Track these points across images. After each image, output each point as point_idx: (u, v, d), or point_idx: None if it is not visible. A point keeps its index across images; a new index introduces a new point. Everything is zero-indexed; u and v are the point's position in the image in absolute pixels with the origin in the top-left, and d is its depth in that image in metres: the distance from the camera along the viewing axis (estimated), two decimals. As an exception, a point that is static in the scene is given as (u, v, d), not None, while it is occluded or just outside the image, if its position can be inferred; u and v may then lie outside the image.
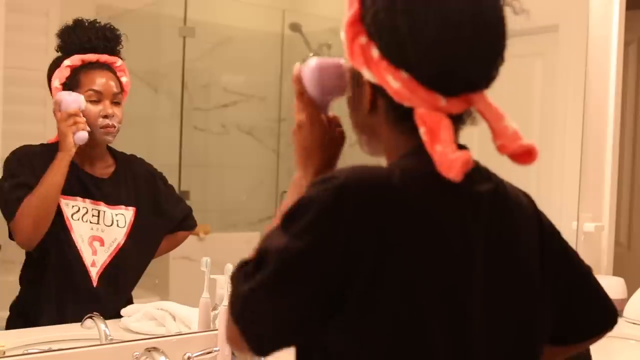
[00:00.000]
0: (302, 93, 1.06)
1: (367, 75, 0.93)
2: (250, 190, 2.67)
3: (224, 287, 1.70)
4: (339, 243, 0.85)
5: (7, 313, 1.74)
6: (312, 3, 2.94)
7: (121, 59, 1.80)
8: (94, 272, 1.75)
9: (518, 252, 0.98)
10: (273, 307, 0.86)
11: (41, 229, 1.68)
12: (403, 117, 0.93)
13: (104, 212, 1.78)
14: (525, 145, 0.91)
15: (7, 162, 1.71)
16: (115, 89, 1.78)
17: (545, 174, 2.70)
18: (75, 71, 1.74)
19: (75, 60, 1.73)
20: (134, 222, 1.82)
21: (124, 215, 1.81)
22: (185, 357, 1.65)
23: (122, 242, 1.80)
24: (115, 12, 2.15)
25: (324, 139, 1.06)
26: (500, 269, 0.95)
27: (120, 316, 1.78)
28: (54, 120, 1.76)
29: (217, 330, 1.70)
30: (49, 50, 1.76)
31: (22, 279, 1.75)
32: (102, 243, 1.76)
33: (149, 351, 1.54)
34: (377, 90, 0.94)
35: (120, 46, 1.80)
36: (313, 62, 1.05)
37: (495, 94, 0.95)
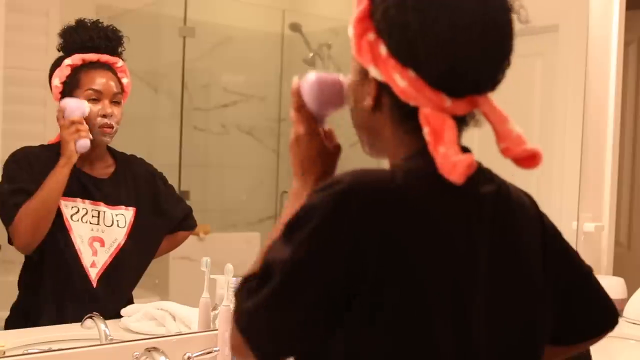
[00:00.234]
0: (300, 106, 1.07)
1: (374, 72, 0.93)
2: (250, 190, 2.67)
3: (224, 287, 1.70)
4: (344, 249, 0.85)
5: (7, 313, 1.74)
6: (312, 3, 2.94)
7: (122, 60, 1.80)
8: (94, 273, 1.74)
9: (520, 253, 0.98)
10: (281, 319, 0.86)
11: (39, 233, 1.68)
12: (407, 116, 0.93)
13: (104, 212, 1.78)
14: (529, 150, 0.92)
15: (6, 164, 1.70)
16: (115, 88, 1.77)
17: (545, 174, 2.70)
18: (76, 70, 1.74)
19: (75, 59, 1.73)
20: (134, 222, 1.82)
21: (124, 216, 1.81)
22: (185, 357, 1.65)
23: (123, 242, 1.79)
24: (115, 12, 2.15)
25: (322, 151, 1.06)
26: (503, 270, 0.95)
27: (120, 316, 1.78)
28: (54, 120, 1.76)
29: (217, 330, 1.70)
30: (49, 50, 1.76)
31: (22, 282, 1.75)
32: (102, 244, 1.76)
33: (149, 351, 1.54)
34: (383, 88, 0.94)
35: (122, 47, 1.80)
36: (312, 76, 1.06)
37: (496, 93, 0.96)
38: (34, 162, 1.71)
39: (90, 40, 1.74)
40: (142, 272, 1.88)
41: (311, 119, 1.06)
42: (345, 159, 1.12)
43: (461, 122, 0.94)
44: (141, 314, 1.78)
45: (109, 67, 1.78)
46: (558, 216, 2.65)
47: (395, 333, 0.86)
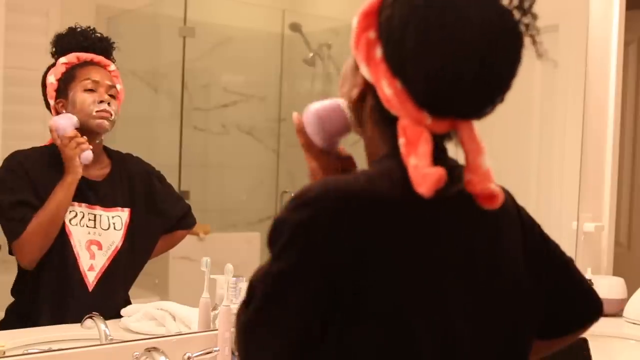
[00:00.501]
0: (308, 144, 1.07)
1: (365, 71, 0.93)
2: (250, 190, 2.67)
3: (224, 287, 1.70)
4: (317, 257, 0.85)
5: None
6: (312, 3, 2.94)
7: (115, 65, 1.80)
8: (92, 276, 1.74)
9: (502, 250, 0.97)
10: (270, 333, 0.86)
11: (45, 249, 1.68)
12: (386, 121, 0.93)
13: (100, 215, 1.77)
14: (490, 190, 0.91)
15: (1, 174, 1.69)
16: (109, 82, 1.78)
17: (545, 174, 2.70)
18: (72, 67, 1.74)
19: (71, 57, 1.74)
20: (130, 223, 1.81)
21: (120, 217, 1.81)
22: (185, 357, 1.65)
23: (120, 244, 1.79)
24: (115, 12, 2.16)
25: None
26: (484, 268, 0.94)
27: (120, 316, 1.78)
28: (53, 120, 1.76)
29: (217, 330, 1.69)
30: (49, 51, 1.76)
31: (18, 287, 1.74)
32: (99, 247, 1.76)
33: (149, 351, 1.54)
34: (369, 88, 0.94)
35: (113, 57, 1.80)
36: (311, 109, 1.05)
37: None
38: (29, 169, 1.70)
39: (85, 40, 1.75)
40: (139, 272, 1.88)
41: (321, 153, 1.07)
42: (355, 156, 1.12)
43: (444, 135, 0.93)
44: (141, 314, 1.78)
45: (102, 67, 1.78)
46: (558, 216, 2.67)
47: (377, 340, 0.85)
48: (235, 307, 1.69)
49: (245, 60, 2.66)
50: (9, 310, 1.74)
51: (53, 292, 1.71)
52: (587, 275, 2.47)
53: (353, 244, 0.85)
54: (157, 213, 1.90)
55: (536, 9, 0.92)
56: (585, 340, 1.93)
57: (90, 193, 1.76)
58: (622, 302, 2.50)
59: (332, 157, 1.08)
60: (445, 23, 0.86)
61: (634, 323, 2.43)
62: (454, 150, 0.96)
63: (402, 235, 0.88)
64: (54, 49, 1.75)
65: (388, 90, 0.90)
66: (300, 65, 2.81)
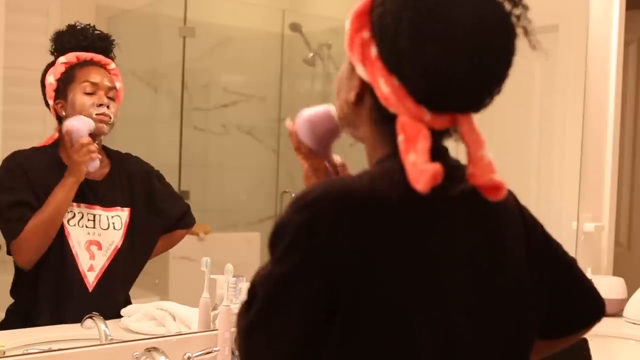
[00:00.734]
0: (298, 147, 1.11)
1: (361, 71, 0.93)
2: (250, 190, 2.67)
3: (224, 287, 1.70)
4: (320, 259, 0.85)
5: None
6: (312, 3, 2.94)
7: (115, 63, 1.79)
8: (92, 277, 1.74)
9: (503, 251, 0.97)
10: (272, 336, 0.86)
11: (43, 250, 1.68)
12: (385, 120, 0.93)
13: (100, 215, 1.77)
14: (495, 181, 0.91)
15: (0, 173, 1.69)
16: (109, 84, 1.77)
17: (545, 174, 2.70)
18: (71, 67, 1.74)
19: (70, 57, 1.74)
20: (129, 223, 1.81)
21: (120, 217, 1.81)
22: (185, 357, 1.65)
23: (120, 244, 1.79)
24: (115, 12, 2.16)
25: None
26: (486, 269, 0.94)
27: (120, 316, 1.78)
28: (54, 120, 1.76)
29: (217, 330, 1.69)
30: (49, 50, 1.76)
31: (17, 288, 1.74)
32: (99, 247, 1.76)
33: (149, 351, 1.54)
34: (366, 88, 0.94)
35: (113, 53, 1.80)
36: (302, 115, 1.10)
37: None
38: (29, 170, 1.70)
39: (84, 40, 1.75)
40: (139, 272, 1.88)
41: (312, 156, 1.10)
42: (345, 158, 1.13)
43: (443, 132, 0.93)
44: (141, 314, 1.78)
45: (102, 67, 1.78)
46: (558, 216, 2.67)
47: (379, 342, 0.85)
48: (235, 307, 1.69)
49: (245, 60, 2.66)
50: (9, 310, 1.74)
51: (53, 293, 1.71)
52: (587, 275, 2.46)
53: (354, 245, 0.85)
54: (157, 212, 1.90)
55: (536, 9, 0.92)
56: (585, 340, 1.92)
57: (89, 193, 1.75)
58: (622, 302, 2.50)
59: (323, 160, 1.10)
60: (438, 16, 0.87)
61: (634, 323, 2.43)
62: (454, 150, 0.96)
63: (403, 236, 0.88)
64: (53, 47, 1.75)
65: (385, 88, 0.90)
66: (300, 65, 2.81)
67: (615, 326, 2.39)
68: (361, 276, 0.85)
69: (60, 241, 1.70)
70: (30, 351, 1.56)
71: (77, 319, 1.65)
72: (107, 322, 1.65)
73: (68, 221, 1.71)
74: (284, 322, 0.85)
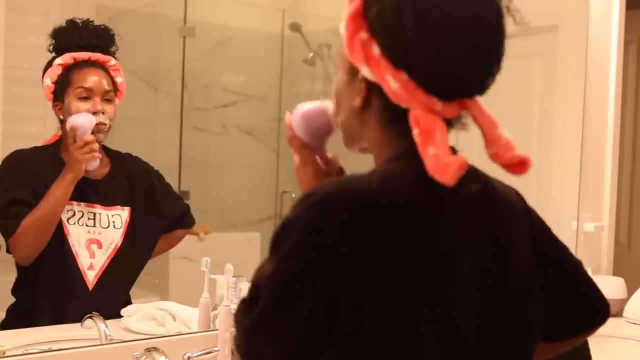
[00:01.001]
0: (291, 138, 1.12)
1: (366, 72, 0.93)
2: (250, 190, 2.67)
3: (224, 287, 1.70)
4: (326, 259, 0.84)
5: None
6: (312, 3, 2.94)
7: (116, 58, 1.78)
8: (92, 275, 1.74)
9: (510, 252, 0.97)
10: (276, 336, 0.86)
11: (41, 246, 1.68)
12: (395, 118, 0.93)
13: (100, 214, 1.77)
14: (519, 156, 0.91)
15: (0, 171, 1.69)
16: (106, 86, 1.76)
17: (545, 174, 2.70)
18: (67, 69, 1.73)
19: (67, 58, 1.72)
20: (130, 222, 1.81)
21: (120, 216, 1.81)
22: (185, 357, 1.65)
23: (120, 243, 1.79)
24: (115, 12, 2.16)
25: (320, 177, 1.09)
26: (491, 270, 0.94)
27: (120, 316, 1.78)
28: (54, 120, 1.76)
29: (217, 330, 1.69)
30: (48, 44, 1.76)
31: (18, 287, 1.74)
32: (99, 245, 1.76)
33: (149, 351, 1.54)
34: (373, 89, 0.94)
35: (115, 47, 1.79)
36: (298, 109, 1.12)
37: (495, 93, 0.95)
38: (29, 169, 1.70)
39: (81, 38, 1.73)
40: (139, 271, 1.88)
41: (304, 149, 1.11)
42: (344, 159, 1.13)
43: (448, 124, 0.93)
44: (141, 314, 1.78)
45: (100, 66, 1.76)
46: (558, 216, 2.67)
47: (382, 343, 0.85)
48: (235, 307, 1.69)
49: (245, 60, 2.66)
50: (9, 310, 1.74)
51: (53, 292, 1.71)
52: (587, 275, 2.46)
53: (362, 244, 0.85)
54: (157, 212, 1.90)
55: (536, 9, 0.93)
56: (585, 341, 1.92)
57: (89, 192, 1.76)
58: (622, 302, 2.50)
59: (314, 154, 1.11)
60: (438, 1, 0.88)
61: (634, 323, 2.43)
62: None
63: (410, 235, 0.88)
64: (51, 45, 1.74)
65: (394, 83, 0.90)
66: (300, 65, 2.81)
67: (615, 326, 2.39)
68: (369, 275, 0.84)
69: (60, 240, 1.70)
70: (30, 351, 1.56)
71: (77, 317, 1.65)
72: (107, 322, 1.65)
73: (68, 220, 1.71)
74: (288, 322, 0.85)
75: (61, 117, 1.73)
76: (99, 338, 1.63)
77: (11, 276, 1.73)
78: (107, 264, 1.76)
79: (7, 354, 1.51)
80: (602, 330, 1.13)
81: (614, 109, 2.75)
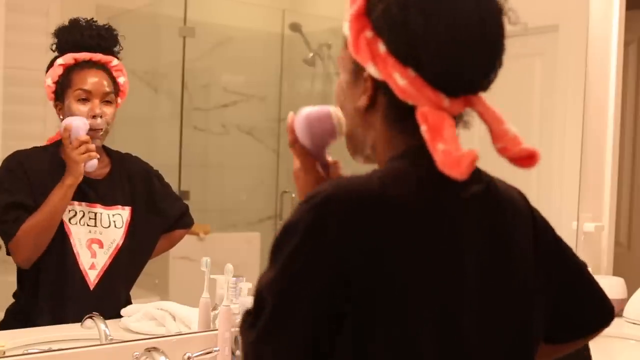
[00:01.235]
0: (293, 143, 1.09)
1: (372, 71, 0.92)
2: (250, 190, 2.67)
3: (224, 287, 1.70)
4: (328, 261, 0.84)
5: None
6: (312, 3, 2.94)
7: (118, 58, 1.78)
8: (94, 275, 1.74)
9: (511, 252, 0.97)
10: (283, 345, 0.85)
11: (41, 249, 1.68)
12: (401, 116, 0.92)
13: (101, 214, 1.77)
14: (527, 149, 0.91)
15: (0, 173, 1.69)
16: (106, 88, 1.75)
17: (545, 174, 2.70)
18: (68, 70, 1.73)
19: (68, 58, 1.72)
20: (130, 221, 1.81)
21: (121, 216, 1.81)
22: (185, 357, 1.65)
23: (121, 242, 1.79)
24: (115, 12, 2.16)
25: (318, 183, 1.07)
26: (493, 271, 0.94)
27: (120, 316, 1.78)
28: (54, 120, 1.76)
29: (217, 330, 1.69)
30: (49, 50, 1.76)
31: (18, 287, 1.74)
32: (101, 245, 1.76)
33: (149, 351, 1.54)
34: (379, 87, 0.94)
35: (119, 47, 1.78)
36: (302, 112, 1.09)
37: (496, 93, 0.96)
38: (29, 169, 1.70)
39: (82, 39, 1.73)
40: (139, 271, 1.88)
41: (305, 154, 1.09)
42: (344, 161, 1.12)
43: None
44: (141, 314, 1.78)
45: (102, 66, 1.76)
46: (558, 216, 2.67)
47: (383, 344, 0.85)
48: (235, 307, 1.69)
49: (245, 60, 2.66)
50: (9, 310, 1.74)
51: (54, 292, 1.72)
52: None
53: (364, 245, 0.85)
54: (157, 212, 1.90)
55: (536, 9, 0.93)
56: (585, 341, 1.92)
57: (90, 191, 1.76)
58: (622, 302, 2.50)
59: (315, 161, 1.09)
60: None
61: (634, 323, 2.43)
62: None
63: (412, 236, 0.88)
64: (54, 44, 1.74)
65: (402, 80, 0.90)
66: (300, 65, 2.81)
67: (615, 326, 2.35)
68: (369, 276, 0.84)
69: (61, 239, 1.70)
70: (30, 351, 1.56)
71: (78, 317, 1.65)
72: (107, 322, 1.65)
73: (69, 220, 1.71)
74: (294, 330, 0.84)
75: (62, 117, 1.73)
76: (99, 338, 1.63)
77: (11, 276, 1.73)
78: (108, 263, 1.76)
79: (7, 354, 1.51)
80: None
81: (614, 109, 2.75)
